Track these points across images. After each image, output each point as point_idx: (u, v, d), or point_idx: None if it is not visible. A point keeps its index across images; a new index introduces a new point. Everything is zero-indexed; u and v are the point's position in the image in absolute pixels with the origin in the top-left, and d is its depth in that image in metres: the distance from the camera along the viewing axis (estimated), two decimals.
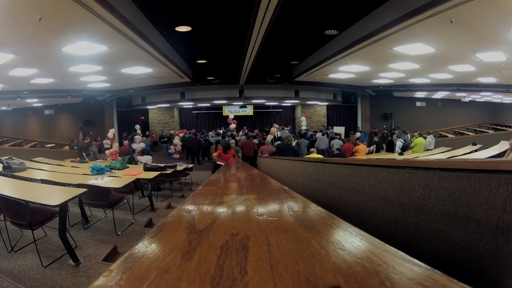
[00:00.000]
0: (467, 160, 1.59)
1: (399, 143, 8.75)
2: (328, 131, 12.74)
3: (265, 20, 5.21)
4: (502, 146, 7.19)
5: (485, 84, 10.51)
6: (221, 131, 12.98)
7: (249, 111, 15.66)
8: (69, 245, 2.76)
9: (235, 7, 5.14)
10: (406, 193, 1.24)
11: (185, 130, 13.68)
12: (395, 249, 0.48)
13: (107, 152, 9.87)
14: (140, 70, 8.59)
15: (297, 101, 15.01)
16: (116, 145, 10.29)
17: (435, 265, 0.41)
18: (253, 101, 14.61)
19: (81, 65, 7.40)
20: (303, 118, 13.88)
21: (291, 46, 7.96)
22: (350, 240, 0.56)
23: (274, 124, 12.47)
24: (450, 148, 8.76)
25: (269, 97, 14.36)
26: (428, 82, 10.96)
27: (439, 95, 14.91)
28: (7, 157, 6.65)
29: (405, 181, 1.26)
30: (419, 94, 14.84)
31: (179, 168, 7.05)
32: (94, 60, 6.95)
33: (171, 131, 14.22)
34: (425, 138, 8.81)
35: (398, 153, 8.32)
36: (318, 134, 11.58)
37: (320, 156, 7.12)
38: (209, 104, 15.24)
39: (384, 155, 9.35)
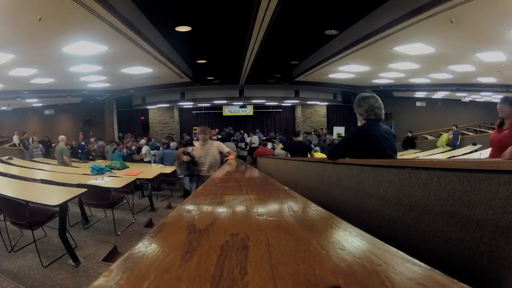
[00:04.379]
0: (467, 160, 1.60)
1: None
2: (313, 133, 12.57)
3: (265, 20, 5.21)
4: None
5: (485, 84, 10.50)
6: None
7: (249, 111, 15.65)
8: (69, 245, 2.76)
9: (235, 7, 5.14)
10: (406, 193, 1.24)
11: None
12: (395, 249, 0.48)
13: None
14: (140, 70, 8.59)
15: (297, 101, 15.02)
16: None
17: (435, 265, 0.41)
18: (253, 101, 14.61)
19: (81, 65, 7.40)
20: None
21: (291, 46, 7.96)
22: (350, 240, 0.56)
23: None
24: (450, 148, 8.76)
25: (269, 97, 14.35)
26: (428, 82, 10.96)
27: (439, 95, 14.90)
28: (7, 157, 6.65)
29: (405, 181, 1.26)
30: (419, 94, 14.83)
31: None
32: (94, 60, 6.95)
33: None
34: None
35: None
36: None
37: (323, 155, 7.10)
38: (209, 104, 15.24)
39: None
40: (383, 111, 2.08)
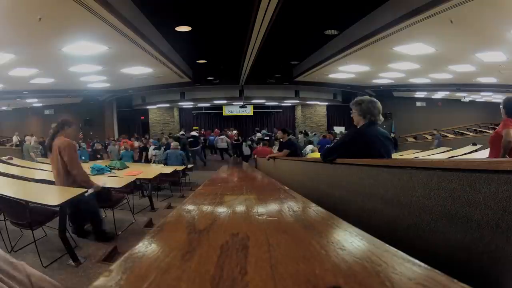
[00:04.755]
0: (467, 160, 1.60)
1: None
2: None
3: (265, 20, 5.21)
4: None
5: (485, 84, 10.51)
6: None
7: (249, 111, 15.66)
8: (69, 245, 2.76)
9: (235, 7, 5.14)
10: (406, 193, 1.24)
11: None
12: (395, 249, 0.48)
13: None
14: (140, 70, 8.59)
15: (297, 101, 15.03)
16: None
17: (435, 265, 0.41)
18: (253, 101, 14.61)
19: (81, 65, 7.40)
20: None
21: (291, 46, 7.96)
22: (350, 240, 0.56)
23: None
24: (450, 148, 8.76)
25: (269, 97, 14.35)
26: (428, 82, 10.97)
27: (439, 95, 14.92)
28: (7, 157, 6.64)
29: (405, 181, 1.26)
30: (419, 94, 14.85)
31: (179, 168, 7.05)
32: (94, 60, 6.95)
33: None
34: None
35: None
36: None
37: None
38: (209, 104, 15.24)
39: None
40: (381, 115, 2.12)
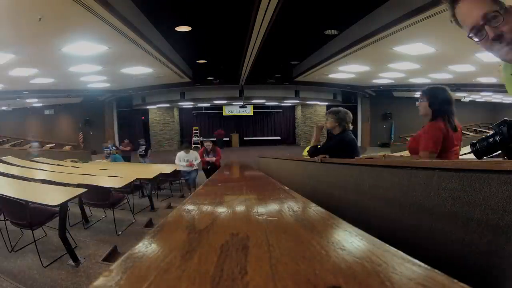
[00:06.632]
0: (467, 160, 1.60)
1: None
2: None
3: (265, 20, 5.21)
4: None
5: (485, 84, 10.51)
6: None
7: (249, 111, 15.67)
8: (69, 245, 2.76)
9: (235, 7, 5.14)
10: (406, 193, 1.24)
11: None
12: (395, 249, 0.48)
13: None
14: (140, 70, 8.59)
15: (297, 101, 15.03)
16: None
17: (435, 265, 0.41)
18: (253, 101, 14.61)
19: (81, 65, 7.40)
20: None
21: (291, 46, 7.96)
22: (350, 240, 0.56)
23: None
24: None
25: (269, 97, 14.35)
26: (428, 82, 10.96)
27: None
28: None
29: (405, 181, 1.26)
30: (419, 94, 14.88)
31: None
32: (94, 60, 6.94)
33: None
34: None
35: None
36: None
37: None
38: (209, 104, 15.25)
39: None
40: (350, 123, 2.62)
